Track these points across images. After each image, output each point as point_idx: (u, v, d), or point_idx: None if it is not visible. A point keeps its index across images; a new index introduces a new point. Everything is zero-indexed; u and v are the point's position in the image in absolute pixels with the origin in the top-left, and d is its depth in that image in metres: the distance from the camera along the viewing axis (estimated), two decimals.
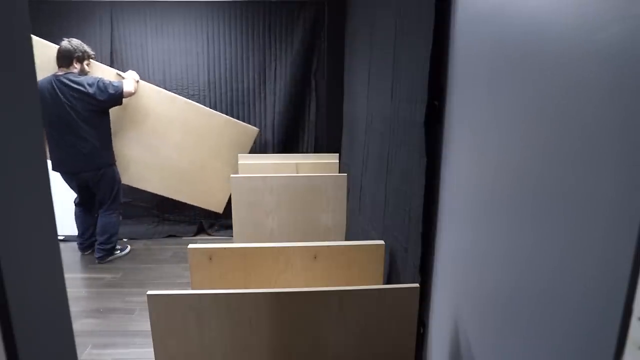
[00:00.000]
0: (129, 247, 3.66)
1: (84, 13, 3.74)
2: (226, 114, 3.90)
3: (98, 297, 2.88)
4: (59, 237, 3.25)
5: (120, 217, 3.54)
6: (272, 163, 3.35)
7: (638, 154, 0.58)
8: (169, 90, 3.79)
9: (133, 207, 4.09)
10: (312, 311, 1.29)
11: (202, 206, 3.83)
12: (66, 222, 3.75)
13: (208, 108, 3.71)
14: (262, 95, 3.96)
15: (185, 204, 3.96)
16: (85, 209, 3.47)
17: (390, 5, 1.96)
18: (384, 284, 1.80)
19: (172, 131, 3.59)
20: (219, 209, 3.84)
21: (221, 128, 3.67)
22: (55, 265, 0.54)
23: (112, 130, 3.34)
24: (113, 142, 3.36)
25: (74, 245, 3.68)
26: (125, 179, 3.57)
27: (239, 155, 3.53)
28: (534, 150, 0.85)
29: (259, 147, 4.04)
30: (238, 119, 3.98)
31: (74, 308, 2.70)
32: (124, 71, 3.84)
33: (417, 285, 1.32)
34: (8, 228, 0.45)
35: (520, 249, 0.91)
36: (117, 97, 3.21)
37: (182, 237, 3.97)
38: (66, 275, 0.56)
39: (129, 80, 3.34)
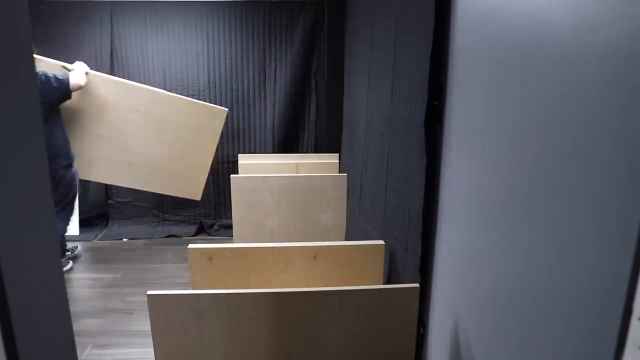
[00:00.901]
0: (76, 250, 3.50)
1: (84, 13, 3.74)
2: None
3: (98, 297, 2.88)
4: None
5: (68, 226, 3.30)
6: (272, 163, 3.34)
7: (637, 153, 0.58)
8: (170, 90, 3.79)
9: (133, 207, 4.09)
10: (312, 311, 1.29)
11: (178, 195, 3.65)
12: None
13: (170, 93, 3.49)
14: (262, 95, 3.96)
15: (185, 203, 3.96)
16: None
17: (390, 5, 1.96)
18: (384, 284, 1.80)
19: (133, 121, 3.34)
20: (196, 196, 3.66)
21: (186, 112, 3.43)
22: (55, 265, 0.54)
23: (68, 129, 3.12)
24: (70, 140, 3.13)
25: (74, 245, 3.69)
26: (92, 177, 3.41)
27: (239, 155, 3.52)
28: (534, 150, 0.85)
29: (259, 147, 4.04)
30: (238, 118, 3.98)
31: (74, 308, 2.70)
32: (124, 71, 3.84)
33: (417, 285, 1.32)
34: (8, 228, 0.45)
35: (520, 249, 0.91)
36: (63, 90, 2.92)
37: (182, 237, 3.97)
38: (66, 275, 0.57)
39: (77, 72, 3.03)
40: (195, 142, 3.52)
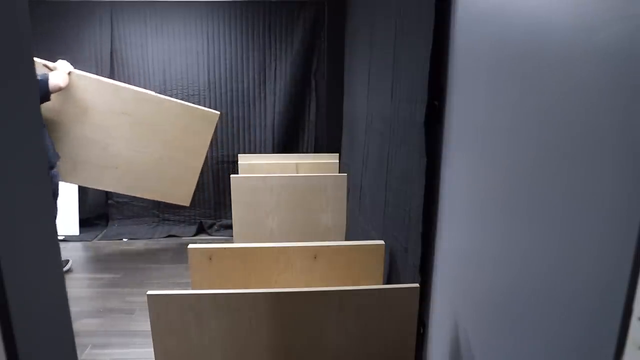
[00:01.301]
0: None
1: (84, 13, 3.74)
2: (226, 114, 3.89)
3: (98, 297, 2.88)
4: (59, 237, 3.25)
5: None
6: (272, 163, 3.35)
7: (637, 153, 0.58)
8: (170, 90, 3.79)
9: (133, 207, 4.09)
10: (312, 311, 1.29)
11: (166, 200, 3.57)
12: (66, 222, 3.75)
13: (160, 95, 3.37)
14: (262, 95, 3.96)
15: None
16: None
17: (390, 5, 1.96)
18: (384, 284, 1.80)
19: (120, 123, 3.20)
20: (185, 201, 3.58)
21: (175, 115, 3.31)
22: (55, 265, 0.54)
23: (52, 131, 2.98)
24: (55, 143, 3.00)
25: (74, 245, 3.69)
26: (78, 180, 3.31)
27: (239, 155, 3.52)
28: (534, 150, 0.85)
29: (259, 147, 4.04)
30: (238, 118, 3.98)
31: (74, 308, 2.70)
32: (124, 71, 3.84)
33: (417, 285, 1.32)
34: (8, 228, 0.45)
35: (520, 249, 0.91)
36: (41, 92, 2.63)
37: (182, 237, 3.97)
38: (66, 275, 0.56)
39: (57, 72, 2.77)
40: (185, 146, 3.40)
